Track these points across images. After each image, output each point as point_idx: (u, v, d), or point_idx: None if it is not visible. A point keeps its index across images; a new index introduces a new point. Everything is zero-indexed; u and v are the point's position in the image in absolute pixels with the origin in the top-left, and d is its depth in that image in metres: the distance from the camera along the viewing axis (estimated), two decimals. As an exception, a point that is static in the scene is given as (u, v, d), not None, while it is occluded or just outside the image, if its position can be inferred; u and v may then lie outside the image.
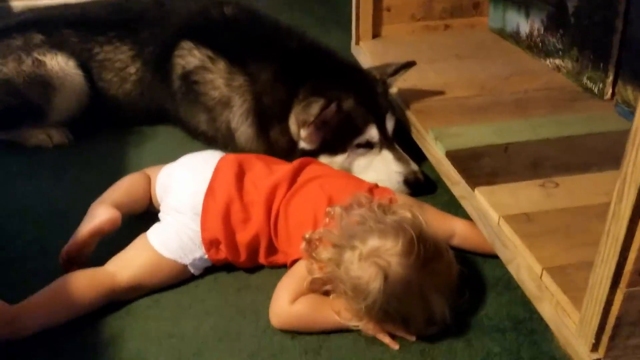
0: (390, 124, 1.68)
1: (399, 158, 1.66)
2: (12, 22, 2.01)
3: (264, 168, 1.41)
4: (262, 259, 1.33)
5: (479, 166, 1.44)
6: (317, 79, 1.65)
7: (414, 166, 1.66)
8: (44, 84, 1.84)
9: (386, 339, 1.16)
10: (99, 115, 1.95)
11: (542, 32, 1.97)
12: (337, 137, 1.61)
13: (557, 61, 1.91)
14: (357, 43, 2.29)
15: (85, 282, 1.21)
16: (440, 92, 1.83)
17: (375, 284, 1.08)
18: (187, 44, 1.80)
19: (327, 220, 1.25)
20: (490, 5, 2.28)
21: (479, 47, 2.16)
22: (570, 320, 1.03)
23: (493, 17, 2.27)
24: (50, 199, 1.63)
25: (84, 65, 1.90)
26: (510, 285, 1.27)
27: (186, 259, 1.29)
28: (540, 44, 1.99)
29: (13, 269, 1.35)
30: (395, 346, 1.15)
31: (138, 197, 1.44)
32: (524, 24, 2.06)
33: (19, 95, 1.84)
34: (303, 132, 1.60)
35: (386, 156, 1.66)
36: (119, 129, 1.95)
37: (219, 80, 1.75)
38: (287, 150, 1.65)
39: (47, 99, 1.86)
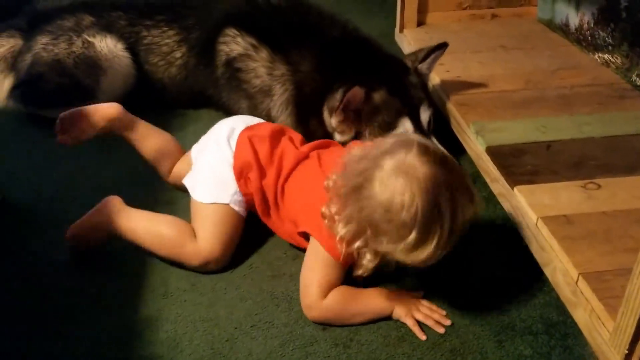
0: (425, 116, 1.63)
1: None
2: (64, 4, 2.05)
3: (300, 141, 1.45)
4: (263, 216, 1.38)
5: (520, 164, 1.42)
6: (354, 70, 1.63)
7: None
8: (93, 65, 1.88)
9: (416, 328, 1.17)
10: (145, 98, 1.98)
11: (592, 25, 1.91)
12: (370, 131, 1.58)
13: (607, 56, 1.85)
14: (401, 31, 2.27)
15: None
16: (484, 85, 1.80)
17: (408, 190, 1.05)
18: (231, 31, 1.82)
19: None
20: (539, -5, 2.22)
21: (526, 38, 2.11)
22: (604, 328, 1.02)
23: (542, 8, 2.21)
24: (95, 180, 1.67)
25: (132, 48, 1.93)
26: (546, 287, 1.25)
27: (225, 197, 1.34)
28: (589, 38, 1.93)
29: (61, 250, 1.39)
30: (422, 337, 1.16)
31: (169, 147, 1.56)
32: (573, 16, 2.01)
33: (69, 76, 1.89)
34: (334, 120, 1.59)
35: None
36: (164, 112, 1.97)
37: (261, 68, 1.76)
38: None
39: (96, 80, 1.90)
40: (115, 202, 1.37)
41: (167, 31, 1.91)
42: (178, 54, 1.91)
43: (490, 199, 1.50)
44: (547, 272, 1.21)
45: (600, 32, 1.87)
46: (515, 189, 1.33)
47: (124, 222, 1.33)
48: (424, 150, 1.09)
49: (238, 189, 1.36)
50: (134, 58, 1.93)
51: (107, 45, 1.89)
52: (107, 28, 1.92)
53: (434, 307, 1.21)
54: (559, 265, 1.15)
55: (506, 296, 1.25)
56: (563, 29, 2.08)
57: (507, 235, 1.41)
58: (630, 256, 0.94)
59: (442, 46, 1.73)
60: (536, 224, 1.24)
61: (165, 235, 1.32)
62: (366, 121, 1.57)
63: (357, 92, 1.52)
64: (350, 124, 1.58)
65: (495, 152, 1.47)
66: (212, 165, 1.39)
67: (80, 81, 1.89)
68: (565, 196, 1.30)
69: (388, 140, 1.15)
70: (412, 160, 1.07)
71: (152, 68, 1.95)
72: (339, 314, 1.19)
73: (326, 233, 1.18)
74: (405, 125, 1.60)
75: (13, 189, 1.64)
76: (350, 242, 1.13)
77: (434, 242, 1.06)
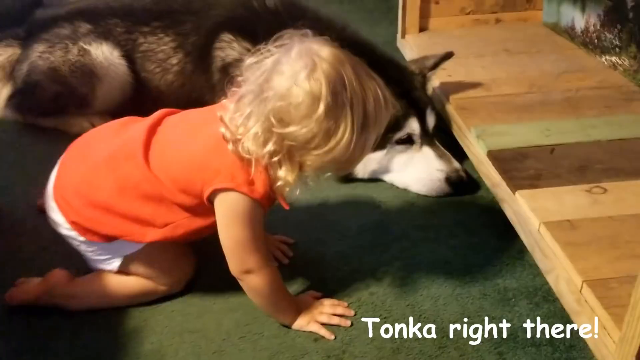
0: (431, 120, 1.62)
1: (440, 155, 1.60)
2: (61, 11, 2.04)
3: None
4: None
5: (522, 168, 1.36)
6: None
7: (456, 164, 1.59)
8: (89, 73, 1.86)
9: (322, 331, 1.14)
10: (142, 106, 1.95)
11: (598, 27, 1.86)
12: None
13: (614, 58, 1.79)
14: (402, 36, 2.23)
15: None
16: (487, 89, 1.76)
17: (310, 64, 0.98)
18: (226, 36, 1.78)
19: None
20: (544, -2, 2.17)
21: (530, 42, 2.06)
22: (610, 338, 0.95)
23: (547, 11, 2.16)
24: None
25: (129, 56, 1.90)
26: (549, 296, 1.19)
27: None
28: (596, 40, 1.88)
29: (51, 259, 1.35)
30: (331, 337, 1.13)
31: None
32: (579, 18, 1.95)
33: (65, 84, 1.87)
34: None
35: (427, 153, 1.59)
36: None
37: None
38: None
39: (92, 88, 1.88)
40: (63, 275, 1.24)
41: (163, 37, 1.88)
42: (174, 60, 1.88)
43: (493, 205, 1.45)
44: (550, 280, 1.15)
45: (607, 34, 1.82)
46: (516, 193, 1.28)
47: (78, 289, 1.22)
48: (324, 42, 1.05)
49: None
50: (131, 66, 1.89)
51: (103, 53, 1.86)
52: (103, 35, 1.89)
53: (336, 301, 1.21)
54: (563, 272, 1.09)
55: (507, 306, 1.19)
56: (569, 32, 2.03)
57: (509, 242, 1.35)
58: (637, 262, 0.89)
59: (449, 56, 1.74)
60: (538, 230, 1.19)
61: (135, 286, 1.22)
62: None
63: None
64: None
65: (496, 156, 1.41)
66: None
67: (76, 89, 1.87)
68: (570, 201, 1.24)
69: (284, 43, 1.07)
70: (313, 44, 1.03)
71: (149, 75, 1.92)
72: (263, 296, 1.14)
73: (238, 174, 1.06)
74: (412, 126, 1.58)
75: (8, 198, 1.61)
76: (261, 152, 1.03)
77: (347, 126, 1.01)
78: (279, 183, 1.06)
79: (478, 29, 2.20)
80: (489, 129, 1.52)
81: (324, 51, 1.01)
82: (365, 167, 1.59)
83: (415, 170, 1.59)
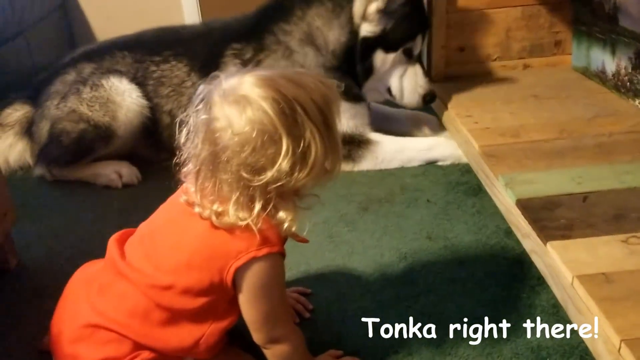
0: (425, 40, 1.99)
1: (425, 74, 1.95)
2: (63, 61, 2.13)
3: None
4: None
5: (554, 217, 1.30)
6: None
7: (432, 86, 1.96)
8: (106, 102, 1.93)
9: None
10: (159, 140, 2.01)
11: (629, 70, 1.81)
12: (395, 34, 1.86)
13: (647, 102, 1.74)
14: (429, 84, 2.21)
15: None
16: (514, 135, 1.71)
17: (246, 106, 0.91)
18: (232, 48, 1.92)
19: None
20: (573, 42, 2.13)
21: (560, 87, 2.02)
22: (654, 404, 0.88)
23: (576, 55, 2.12)
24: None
25: (139, 83, 1.98)
26: (587, 356, 1.11)
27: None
28: (628, 84, 1.82)
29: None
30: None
31: None
32: (609, 62, 1.91)
33: (87, 120, 1.93)
34: (373, 7, 1.82)
35: (418, 70, 1.94)
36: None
37: None
38: (350, 47, 1.88)
39: (113, 115, 1.93)
40: None
41: (177, 64, 1.98)
42: (189, 83, 1.96)
43: (523, 255, 1.38)
44: (586, 338, 1.07)
45: (639, 77, 1.76)
46: (548, 244, 1.22)
47: None
48: (236, 72, 0.98)
49: None
50: (143, 91, 1.97)
51: (114, 83, 1.95)
52: (108, 70, 1.98)
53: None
54: (599, 330, 1.02)
55: (541, 366, 1.12)
56: (600, 76, 1.98)
57: (542, 296, 1.29)
58: (680, 320, 0.81)
59: None
60: (572, 284, 1.12)
61: None
62: (394, 25, 1.85)
63: None
64: (383, 21, 1.83)
65: (526, 205, 1.36)
66: None
67: (98, 122, 1.93)
68: (604, 252, 1.17)
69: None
70: (229, 83, 0.96)
71: (161, 101, 1.99)
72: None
73: (249, 241, 0.98)
74: (417, 43, 1.91)
75: (29, 252, 1.61)
76: (253, 213, 0.96)
77: (315, 134, 0.94)
78: (285, 225, 0.99)
79: (505, 75, 2.17)
80: (518, 177, 1.47)
81: (246, 82, 0.95)
82: (383, 65, 1.90)
83: (406, 82, 1.93)
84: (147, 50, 2.02)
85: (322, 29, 1.89)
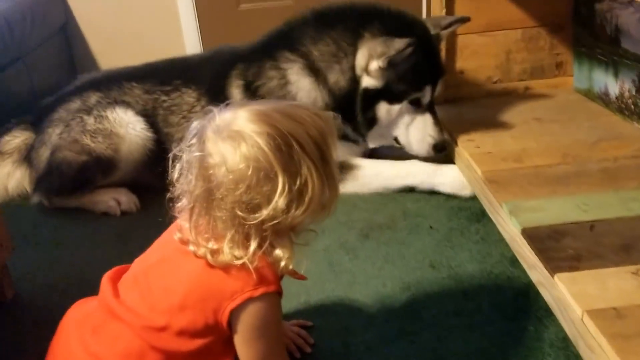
0: (438, 89, 1.85)
1: (436, 123, 1.85)
2: (68, 89, 2.11)
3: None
4: None
5: (560, 247, 1.27)
6: (383, 22, 1.80)
7: (445, 135, 1.85)
8: (109, 135, 1.90)
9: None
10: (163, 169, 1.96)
11: (633, 92, 1.78)
12: (399, 87, 1.78)
13: (653, 125, 1.71)
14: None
15: None
16: (517, 160, 1.68)
17: (253, 143, 0.89)
18: (237, 69, 1.92)
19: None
20: (574, 64, 2.11)
21: (562, 110, 1.99)
22: None
23: (578, 77, 2.10)
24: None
25: (148, 115, 1.96)
26: (598, 394, 1.08)
27: None
28: (632, 106, 1.80)
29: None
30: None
31: None
32: (612, 84, 1.89)
33: (89, 152, 1.90)
34: (375, 64, 1.74)
35: (427, 119, 1.84)
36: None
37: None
38: (348, 92, 1.83)
39: (116, 149, 1.90)
40: None
41: (187, 91, 1.96)
42: (198, 108, 1.94)
43: (529, 286, 1.35)
44: (599, 376, 1.04)
45: (643, 100, 1.74)
46: (555, 277, 1.18)
47: None
48: (231, 107, 0.96)
49: None
50: (149, 124, 1.95)
51: (119, 115, 1.92)
52: (114, 100, 1.95)
53: None
54: (612, 369, 0.99)
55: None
56: (602, 98, 1.96)
57: (550, 328, 1.25)
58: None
59: (464, 19, 1.89)
60: (582, 319, 1.08)
61: None
62: (399, 76, 1.77)
63: (411, 50, 1.69)
64: (386, 74, 1.76)
65: (531, 235, 1.32)
66: None
67: (101, 154, 1.90)
68: (614, 285, 1.14)
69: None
70: (224, 119, 0.94)
71: (172, 130, 1.96)
72: None
73: (245, 280, 0.95)
74: (426, 93, 1.81)
75: (27, 284, 1.59)
76: (248, 252, 0.93)
77: (312, 170, 0.91)
78: (282, 263, 0.96)
79: (506, 98, 2.14)
80: (522, 204, 1.44)
81: (240, 117, 0.93)
82: (388, 116, 1.82)
83: (414, 132, 1.84)
84: (156, 81, 2.00)
85: (322, 69, 1.86)
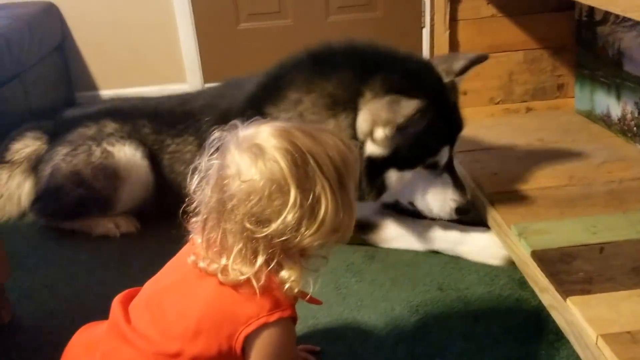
0: (456, 145, 1.59)
1: (456, 184, 1.58)
2: (89, 111, 2.06)
3: None
4: None
5: (571, 270, 1.26)
6: (387, 73, 1.52)
7: (468, 196, 1.58)
8: (112, 175, 1.83)
9: None
10: (167, 205, 1.92)
11: (636, 115, 1.80)
12: (411, 154, 1.51)
13: (656, 147, 1.72)
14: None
15: None
16: (523, 181, 1.68)
17: (271, 157, 0.90)
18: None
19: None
20: (576, 86, 2.13)
21: (565, 131, 2.00)
22: None
23: (580, 99, 2.11)
24: (113, 292, 1.57)
25: (154, 156, 1.89)
26: (615, 420, 1.06)
27: None
28: (635, 128, 1.81)
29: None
30: None
31: None
32: (615, 106, 1.90)
33: (88, 187, 1.84)
34: (381, 133, 1.46)
35: (446, 181, 1.57)
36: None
37: None
38: None
39: (114, 189, 1.85)
40: None
41: (188, 138, 1.87)
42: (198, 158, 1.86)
43: (540, 309, 1.34)
44: (616, 403, 1.03)
45: (646, 122, 1.75)
46: (568, 300, 1.17)
47: None
48: (256, 121, 0.97)
49: None
50: (154, 166, 1.88)
51: (126, 155, 1.85)
52: (128, 135, 1.89)
53: None
54: (630, 395, 0.98)
55: None
56: (605, 120, 1.97)
57: (562, 352, 1.24)
58: None
59: (482, 58, 1.63)
60: (596, 343, 1.07)
61: None
62: (411, 141, 1.48)
63: (423, 114, 1.41)
64: (395, 140, 1.47)
65: (542, 257, 1.32)
66: None
67: (99, 192, 1.85)
68: (627, 308, 1.13)
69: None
70: (247, 131, 0.95)
71: (178, 177, 1.87)
72: None
73: (260, 304, 0.94)
74: (443, 155, 1.54)
75: (25, 306, 1.55)
76: (254, 268, 0.92)
77: (327, 190, 0.91)
78: (287, 285, 0.94)
79: (509, 119, 2.16)
80: (531, 227, 1.43)
81: (262, 131, 0.94)
82: (399, 182, 1.55)
83: (433, 196, 1.58)
84: (164, 122, 1.92)
85: (315, 122, 1.58)
